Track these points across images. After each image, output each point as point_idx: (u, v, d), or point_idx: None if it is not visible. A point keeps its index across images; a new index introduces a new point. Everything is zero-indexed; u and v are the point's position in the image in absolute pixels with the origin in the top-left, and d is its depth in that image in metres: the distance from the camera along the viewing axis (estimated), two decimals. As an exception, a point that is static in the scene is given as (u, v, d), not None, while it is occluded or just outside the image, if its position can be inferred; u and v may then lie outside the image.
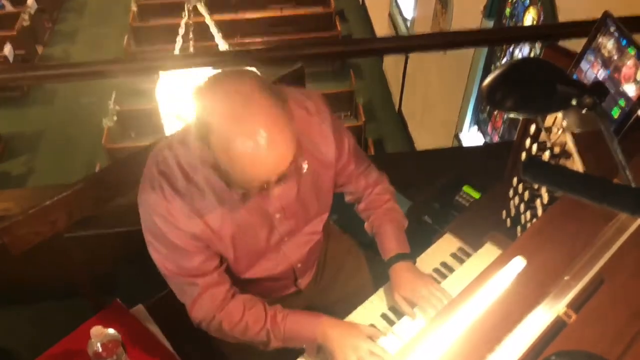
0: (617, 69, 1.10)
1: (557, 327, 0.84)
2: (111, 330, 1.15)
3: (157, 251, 1.11)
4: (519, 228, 1.36)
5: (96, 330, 1.12)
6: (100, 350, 1.13)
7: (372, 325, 1.25)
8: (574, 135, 1.18)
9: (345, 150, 1.24)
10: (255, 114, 0.87)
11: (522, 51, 3.64)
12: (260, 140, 0.86)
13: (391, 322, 1.26)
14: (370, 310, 1.30)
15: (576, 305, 0.85)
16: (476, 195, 1.65)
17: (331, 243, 1.49)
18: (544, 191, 1.25)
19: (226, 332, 1.19)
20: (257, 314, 1.18)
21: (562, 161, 1.21)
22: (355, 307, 1.30)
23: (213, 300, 1.16)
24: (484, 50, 4.01)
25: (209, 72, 2.28)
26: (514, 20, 3.72)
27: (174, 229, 1.06)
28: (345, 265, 1.48)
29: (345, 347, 1.13)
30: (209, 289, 1.15)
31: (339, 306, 1.33)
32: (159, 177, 1.05)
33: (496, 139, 4.11)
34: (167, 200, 1.04)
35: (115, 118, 5.72)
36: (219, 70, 0.95)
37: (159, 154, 1.08)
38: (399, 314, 1.27)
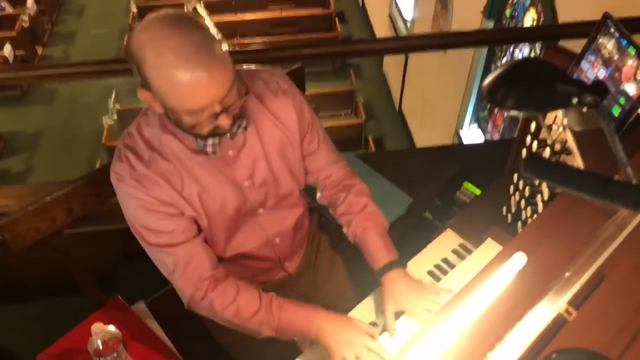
0: (618, 69, 1.10)
1: (557, 325, 0.84)
2: (112, 328, 1.15)
3: (135, 222, 1.13)
4: (519, 224, 1.37)
5: (97, 328, 1.12)
6: (101, 347, 1.12)
7: (373, 324, 1.23)
8: (574, 133, 1.18)
9: (306, 127, 1.25)
10: (184, 35, 0.91)
11: (522, 52, 3.65)
12: (192, 59, 0.91)
13: (378, 331, 1.25)
14: (370, 309, 1.29)
15: (577, 302, 0.85)
16: (477, 191, 1.65)
17: (323, 240, 1.49)
18: (544, 187, 1.26)
19: (217, 312, 1.17)
20: (250, 297, 1.17)
21: (562, 158, 1.22)
22: (353, 302, 1.28)
23: (199, 274, 1.15)
24: (484, 50, 4.01)
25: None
26: (514, 20, 3.73)
27: (143, 195, 1.09)
28: (338, 261, 1.47)
29: (341, 343, 1.11)
30: (191, 260, 1.15)
31: (336, 301, 1.33)
32: (125, 149, 1.10)
33: (496, 137, 4.12)
34: (132, 168, 1.09)
35: (115, 117, 5.73)
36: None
37: (125, 132, 1.14)
38: (397, 314, 1.26)
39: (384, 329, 1.20)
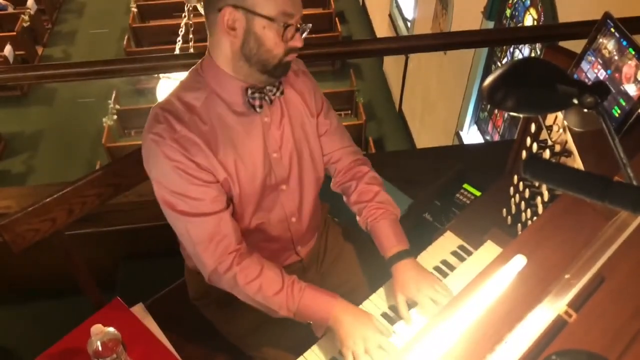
0: (618, 69, 1.10)
1: (557, 326, 0.83)
2: (111, 329, 1.15)
3: (163, 188, 1.12)
4: (519, 226, 1.37)
5: (96, 329, 1.12)
6: (100, 348, 1.12)
7: (384, 315, 1.25)
8: (574, 134, 1.18)
9: (321, 107, 1.32)
10: None
11: (522, 52, 3.65)
12: None
13: (392, 321, 1.26)
14: (370, 309, 1.29)
15: (577, 304, 0.85)
16: (477, 193, 1.65)
17: (331, 231, 1.51)
18: (544, 189, 1.25)
19: (239, 286, 1.17)
20: (274, 276, 1.18)
21: (562, 159, 1.21)
22: (356, 296, 1.29)
23: (225, 246, 1.15)
24: (484, 51, 4.02)
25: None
26: (514, 21, 3.73)
27: (181, 157, 1.09)
28: (344, 253, 1.49)
29: (355, 336, 1.13)
30: (219, 232, 1.15)
31: (343, 292, 1.34)
32: (163, 112, 1.12)
33: (497, 137, 4.12)
34: (173, 128, 1.10)
35: (115, 117, 5.73)
36: None
37: (159, 102, 1.16)
38: (411, 304, 1.26)
39: (400, 318, 1.23)
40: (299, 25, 1.09)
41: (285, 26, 1.07)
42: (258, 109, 1.15)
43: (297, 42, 1.10)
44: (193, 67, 1.18)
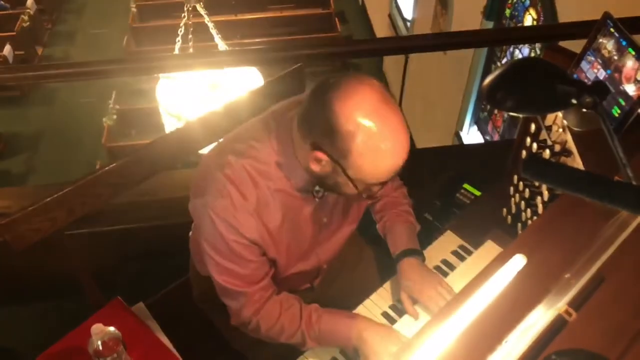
0: (618, 69, 1.10)
1: (557, 326, 0.83)
2: (112, 328, 1.15)
3: (213, 260, 1.11)
4: (519, 225, 1.37)
5: (97, 328, 1.12)
6: (101, 348, 1.12)
7: (393, 307, 1.27)
8: (574, 134, 1.18)
9: None
10: (393, 113, 0.95)
11: (522, 52, 3.65)
12: (402, 137, 0.97)
13: (392, 321, 1.26)
14: (371, 308, 1.30)
15: (577, 303, 0.85)
16: (477, 192, 1.65)
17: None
18: (544, 189, 1.26)
19: (263, 333, 1.20)
20: (292, 314, 1.20)
21: (562, 159, 1.21)
22: (359, 300, 1.31)
23: (254, 306, 1.17)
24: (484, 51, 4.01)
25: (208, 73, 2.28)
26: (514, 21, 3.73)
27: (236, 236, 1.06)
28: (348, 259, 1.49)
29: (381, 353, 1.13)
30: (255, 296, 1.16)
31: (344, 299, 1.34)
32: (226, 182, 1.05)
33: (496, 137, 4.12)
34: (234, 206, 1.05)
35: (115, 117, 5.73)
36: (332, 80, 0.97)
37: (221, 158, 1.08)
38: (401, 312, 1.27)
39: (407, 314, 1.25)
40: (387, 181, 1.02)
41: (368, 194, 1.03)
42: (318, 199, 1.13)
43: (380, 192, 1.06)
44: (264, 125, 1.09)
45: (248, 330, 1.22)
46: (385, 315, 1.29)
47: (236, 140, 1.11)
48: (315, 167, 1.01)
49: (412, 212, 1.37)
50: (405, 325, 1.22)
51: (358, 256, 1.50)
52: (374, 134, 0.92)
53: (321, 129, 0.95)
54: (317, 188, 1.11)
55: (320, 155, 0.97)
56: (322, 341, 1.20)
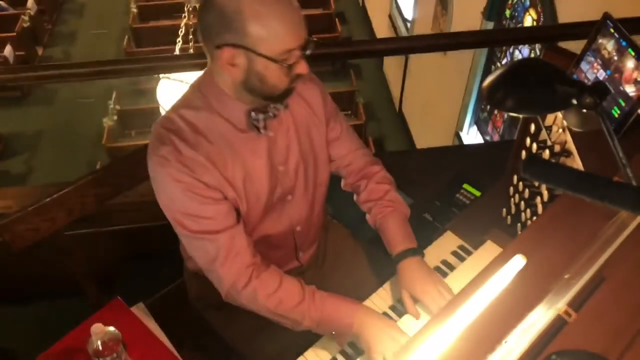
0: (617, 70, 1.10)
1: (557, 326, 0.83)
2: (111, 328, 1.15)
3: (174, 209, 1.12)
4: (519, 226, 1.37)
5: (96, 328, 1.12)
6: (101, 348, 1.12)
7: (392, 308, 1.27)
8: (574, 134, 1.18)
9: (330, 113, 1.29)
10: None
11: (522, 52, 3.65)
12: (292, 4, 1.01)
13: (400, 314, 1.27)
14: (376, 304, 1.30)
15: (576, 303, 0.85)
16: (477, 193, 1.65)
17: (330, 234, 1.51)
18: (544, 189, 1.26)
19: (259, 301, 1.16)
20: (294, 288, 1.18)
21: (562, 160, 1.21)
22: (356, 296, 1.30)
23: (242, 261, 1.15)
24: (484, 51, 4.02)
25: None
26: (514, 21, 3.73)
27: (189, 178, 1.08)
28: (343, 255, 1.49)
29: (383, 339, 1.13)
30: (233, 247, 1.14)
31: (342, 292, 1.34)
32: (167, 133, 1.09)
33: (496, 138, 4.12)
34: (178, 150, 1.08)
35: (115, 117, 5.73)
36: None
37: (162, 118, 1.13)
38: (401, 312, 1.27)
39: (409, 314, 1.24)
40: (300, 53, 1.04)
41: (288, 65, 1.03)
42: (262, 131, 1.13)
43: (302, 69, 1.06)
44: (194, 83, 1.16)
45: (242, 296, 1.17)
46: (385, 316, 1.29)
47: (175, 102, 1.16)
48: (234, 73, 1.04)
49: (398, 197, 1.35)
50: (405, 325, 1.22)
51: (354, 257, 1.49)
52: (260, 9, 0.97)
53: (217, 25, 1.00)
54: (253, 116, 1.11)
55: (227, 51, 1.01)
56: (321, 323, 1.17)
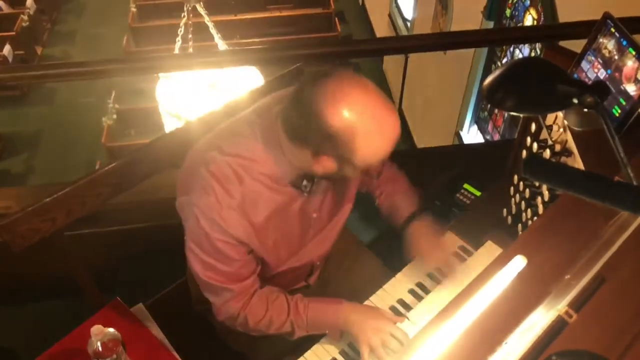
0: (618, 69, 1.10)
1: (558, 327, 0.83)
2: (111, 329, 1.15)
3: (197, 256, 1.11)
4: (519, 226, 1.36)
5: (96, 329, 1.12)
6: (100, 349, 1.12)
7: (392, 308, 1.28)
8: (574, 133, 1.18)
9: None
10: (374, 94, 0.98)
11: (522, 52, 3.64)
12: (390, 114, 0.99)
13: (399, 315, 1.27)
14: (389, 294, 1.31)
15: (577, 304, 0.85)
16: (477, 193, 1.65)
17: (338, 243, 1.49)
18: (544, 189, 1.25)
19: (251, 327, 1.20)
20: (280, 307, 1.20)
21: (562, 159, 1.21)
22: (358, 299, 1.30)
23: (240, 301, 1.18)
24: (484, 51, 4.01)
25: (208, 72, 2.28)
26: (514, 20, 3.72)
27: (220, 233, 1.06)
28: (346, 260, 1.49)
29: (367, 330, 1.15)
30: (241, 294, 1.16)
31: (343, 297, 1.34)
32: (211, 179, 1.05)
33: (497, 137, 4.12)
34: (219, 203, 1.04)
35: (114, 117, 5.73)
36: (316, 79, 0.98)
37: (206, 155, 1.08)
38: (400, 313, 1.27)
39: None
40: None
41: (367, 171, 1.06)
42: (306, 194, 1.13)
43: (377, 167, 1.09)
44: (249, 124, 1.08)
45: (236, 324, 1.21)
46: (370, 306, 1.29)
47: (221, 137, 1.11)
48: (319, 169, 1.02)
49: (395, 172, 1.41)
50: (405, 327, 1.22)
51: (356, 259, 1.49)
52: (368, 123, 0.96)
53: (318, 137, 0.97)
54: (304, 183, 1.11)
55: (326, 159, 1.00)
56: (310, 329, 1.21)
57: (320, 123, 0.95)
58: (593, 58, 1.16)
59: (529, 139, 1.34)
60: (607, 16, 1.13)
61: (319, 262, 1.33)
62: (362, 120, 0.95)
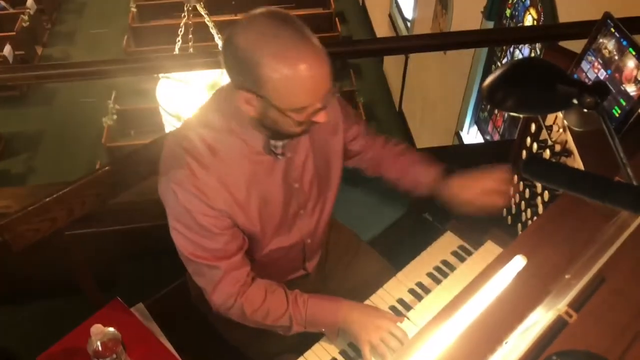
0: (618, 69, 1.10)
1: (557, 327, 0.83)
2: (111, 329, 1.15)
3: (181, 234, 1.11)
4: (519, 226, 1.36)
5: (96, 329, 1.12)
6: (100, 348, 1.12)
7: (392, 308, 1.27)
8: (574, 133, 1.18)
9: (349, 111, 1.31)
10: (293, 30, 0.93)
11: (522, 52, 3.64)
12: (317, 57, 0.94)
13: (399, 315, 1.27)
14: (387, 295, 1.31)
15: (577, 304, 0.85)
16: (477, 194, 1.65)
17: (333, 233, 1.51)
18: (543, 189, 1.25)
19: (247, 316, 1.19)
20: (278, 298, 1.19)
21: (562, 159, 1.21)
22: (358, 297, 1.30)
23: (234, 284, 1.16)
24: (484, 51, 4.01)
25: (208, 73, 2.28)
26: (514, 21, 3.72)
27: (202, 206, 1.06)
28: (346, 254, 1.49)
29: (367, 328, 1.15)
30: (230, 272, 1.15)
31: (345, 291, 1.34)
32: (185, 154, 1.07)
33: (496, 137, 4.12)
34: (195, 175, 1.06)
35: (115, 117, 5.73)
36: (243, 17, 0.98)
37: (178, 135, 1.11)
38: (401, 312, 1.27)
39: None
40: (319, 106, 1.00)
41: (299, 121, 1.00)
42: (280, 157, 1.12)
43: (319, 118, 1.02)
44: (212, 105, 1.12)
45: (231, 313, 1.20)
46: (370, 305, 1.29)
47: (193, 117, 1.13)
48: (249, 111, 1.01)
49: (402, 147, 1.39)
50: (405, 327, 1.22)
51: (356, 257, 1.49)
52: (277, 54, 0.92)
53: (236, 69, 0.97)
54: (272, 142, 1.10)
55: (244, 94, 0.98)
56: (308, 325, 1.20)
57: (233, 51, 0.95)
58: (593, 58, 1.16)
59: (528, 140, 1.34)
60: (607, 16, 1.13)
61: (309, 241, 1.30)
62: (267, 44, 0.91)
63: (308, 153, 1.19)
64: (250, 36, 0.93)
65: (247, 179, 1.10)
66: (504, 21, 3.84)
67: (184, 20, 2.43)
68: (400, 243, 1.35)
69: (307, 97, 0.97)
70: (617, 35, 1.10)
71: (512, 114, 0.89)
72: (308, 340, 1.25)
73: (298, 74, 0.93)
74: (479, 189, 1.25)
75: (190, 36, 2.48)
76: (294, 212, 1.22)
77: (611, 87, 1.10)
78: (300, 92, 0.95)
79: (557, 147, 1.22)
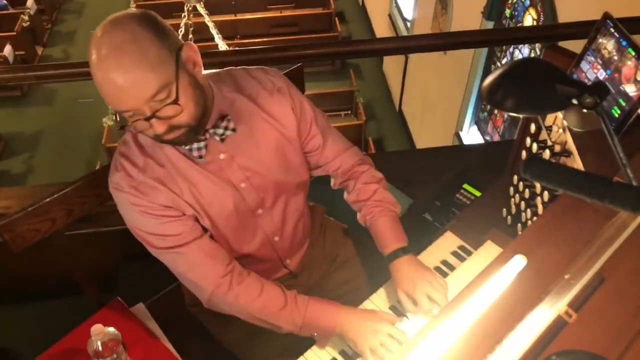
0: (618, 70, 1.10)
1: (557, 326, 0.83)
2: (111, 329, 1.15)
3: (139, 229, 1.13)
4: (519, 226, 1.37)
5: (96, 329, 1.12)
6: (101, 348, 1.12)
7: (392, 308, 1.26)
8: (574, 134, 1.18)
9: (308, 124, 1.25)
10: (110, 34, 0.96)
11: (522, 52, 3.65)
12: (107, 60, 0.93)
13: (400, 314, 1.27)
14: (383, 299, 1.30)
15: (577, 304, 0.85)
16: (477, 193, 1.65)
17: (328, 232, 1.50)
18: (543, 189, 1.25)
19: (242, 307, 1.18)
20: (275, 293, 1.19)
21: (562, 160, 1.21)
22: (356, 303, 1.30)
23: (216, 268, 1.15)
24: (484, 51, 4.02)
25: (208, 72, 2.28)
26: (514, 21, 3.73)
27: (144, 202, 1.09)
28: (342, 254, 1.48)
29: (366, 333, 1.14)
30: (206, 257, 1.15)
31: (341, 293, 1.34)
32: (120, 158, 1.11)
33: (496, 137, 4.12)
34: (129, 175, 1.09)
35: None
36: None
37: (122, 139, 1.14)
38: (400, 313, 1.27)
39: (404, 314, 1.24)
40: (151, 114, 0.96)
41: (121, 124, 1.02)
42: (199, 160, 1.10)
43: (156, 128, 0.98)
44: None
45: (224, 303, 1.18)
46: (392, 308, 1.29)
47: None
48: None
49: (387, 195, 1.33)
50: (405, 326, 1.22)
51: (353, 256, 1.48)
52: (90, 50, 0.95)
53: None
54: (185, 148, 1.10)
55: None
56: (303, 327, 1.19)
57: None
58: (593, 58, 1.16)
59: (528, 140, 1.34)
60: (606, 16, 1.13)
61: (277, 238, 1.28)
62: (91, 50, 0.95)
63: (251, 156, 1.16)
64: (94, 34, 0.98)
65: (180, 178, 1.11)
66: (504, 21, 3.84)
67: (184, 20, 2.44)
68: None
69: (113, 104, 0.96)
70: (617, 35, 1.10)
71: (511, 114, 0.89)
72: (306, 340, 1.24)
73: (96, 79, 0.94)
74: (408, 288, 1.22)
75: (191, 36, 2.49)
76: (250, 211, 1.21)
77: (611, 88, 1.10)
78: (106, 95, 0.95)
79: (557, 148, 1.23)
